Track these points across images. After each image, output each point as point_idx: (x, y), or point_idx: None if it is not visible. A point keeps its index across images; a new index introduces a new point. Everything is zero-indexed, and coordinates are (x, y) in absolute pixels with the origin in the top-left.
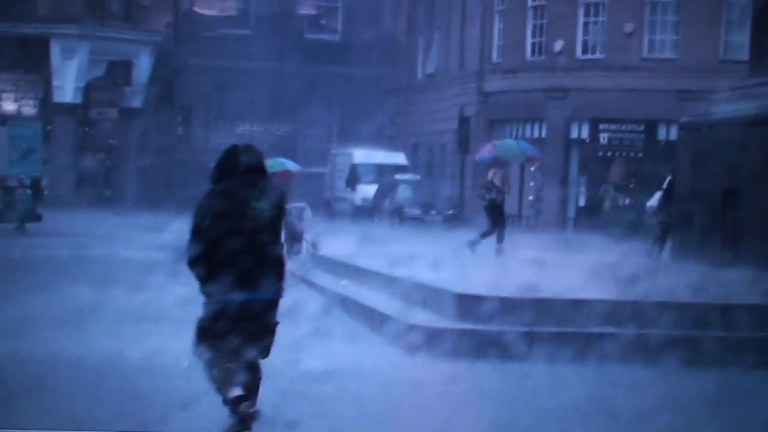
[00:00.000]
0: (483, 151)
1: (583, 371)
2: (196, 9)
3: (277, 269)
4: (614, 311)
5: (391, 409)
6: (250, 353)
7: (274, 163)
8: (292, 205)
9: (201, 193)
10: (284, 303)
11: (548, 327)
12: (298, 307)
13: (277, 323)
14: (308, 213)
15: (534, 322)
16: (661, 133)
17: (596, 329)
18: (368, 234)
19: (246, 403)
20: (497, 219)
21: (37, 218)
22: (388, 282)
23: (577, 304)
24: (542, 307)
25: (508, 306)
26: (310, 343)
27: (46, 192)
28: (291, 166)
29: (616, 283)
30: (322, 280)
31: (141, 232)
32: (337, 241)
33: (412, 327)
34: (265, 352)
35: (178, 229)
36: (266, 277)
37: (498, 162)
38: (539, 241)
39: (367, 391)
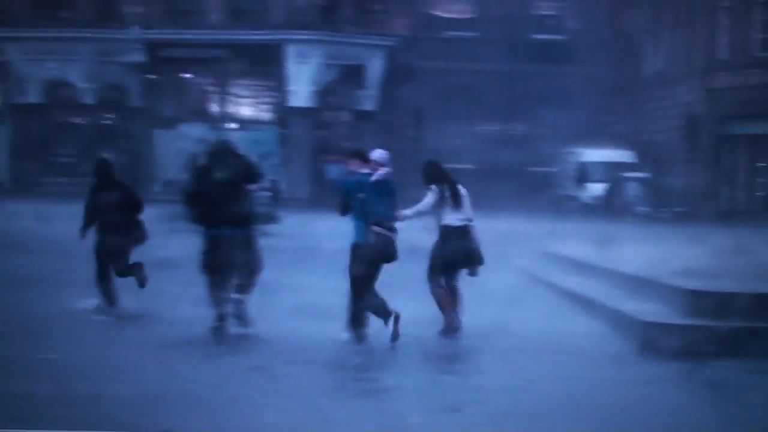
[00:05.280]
0: None
1: None
2: (427, 12)
3: None
4: None
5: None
6: None
7: None
8: None
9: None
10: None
11: None
12: (535, 306)
13: None
14: None
15: None
16: None
17: None
18: (603, 232)
19: None
20: None
21: (276, 221)
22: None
23: None
24: None
25: None
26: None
27: (283, 195)
28: None
29: None
30: (556, 278)
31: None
32: (572, 239)
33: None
34: None
35: None
36: None
37: None
38: None
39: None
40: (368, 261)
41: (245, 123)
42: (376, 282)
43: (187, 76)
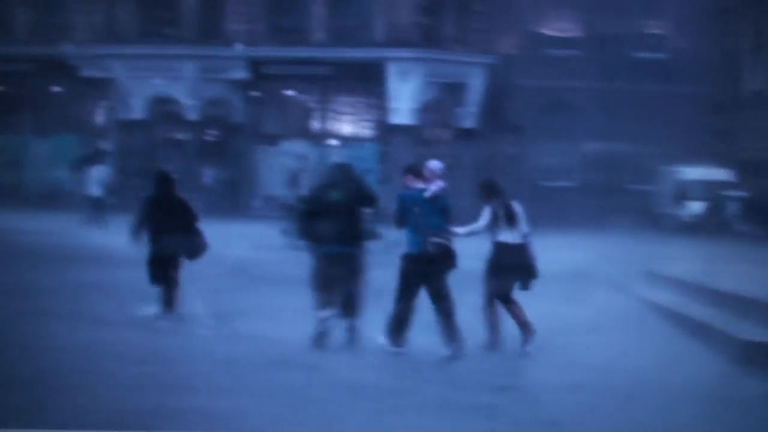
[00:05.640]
0: None
1: None
2: (529, 30)
3: None
4: None
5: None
6: None
7: None
8: None
9: (532, 211)
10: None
11: None
12: (637, 326)
13: None
14: None
15: None
16: None
17: None
18: (704, 251)
19: None
20: None
21: (377, 237)
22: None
23: None
24: None
25: None
26: (644, 357)
27: (384, 211)
28: None
29: None
30: (660, 297)
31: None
32: (674, 259)
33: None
34: None
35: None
36: None
37: None
38: None
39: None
40: (423, 272)
41: (346, 140)
42: (419, 293)
43: (290, 93)
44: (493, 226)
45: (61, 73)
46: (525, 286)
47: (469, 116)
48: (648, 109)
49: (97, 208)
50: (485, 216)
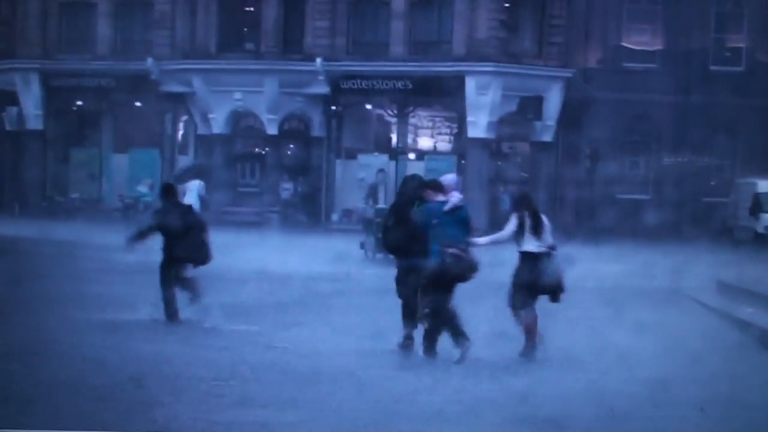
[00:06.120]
0: None
1: None
2: (606, 44)
3: None
4: None
5: None
6: None
7: None
8: None
9: (608, 223)
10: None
11: None
12: (705, 336)
13: None
14: None
15: None
16: None
17: None
18: None
19: None
20: None
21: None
22: None
23: None
24: None
25: None
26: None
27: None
28: None
29: None
30: (728, 307)
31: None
32: (747, 270)
33: None
34: None
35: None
36: None
37: None
38: None
39: None
40: (442, 280)
41: (424, 153)
42: (450, 300)
43: (369, 107)
44: (518, 236)
45: (142, 87)
46: (554, 299)
47: (546, 129)
48: (724, 122)
49: None
50: (510, 226)
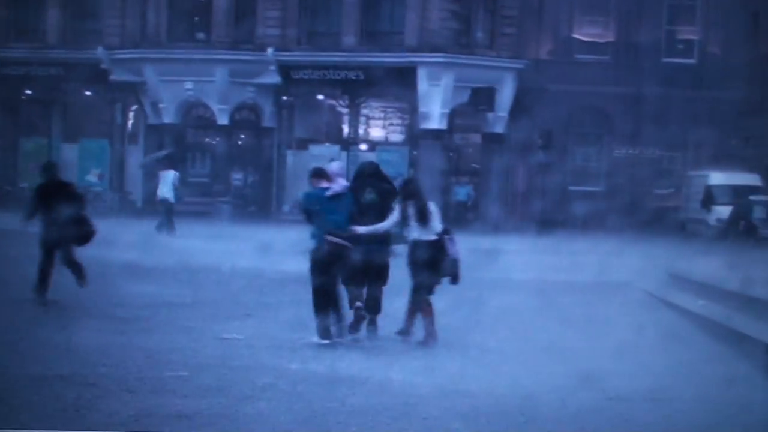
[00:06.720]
0: None
1: None
2: (559, 36)
3: None
4: None
5: None
6: None
7: None
8: None
9: (560, 215)
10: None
11: None
12: (659, 327)
13: None
14: None
15: None
16: None
17: None
18: (728, 254)
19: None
20: None
21: (403, 241)
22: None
23: None
24: None
25: None
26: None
27: None
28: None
29: None
30: (679, 299)
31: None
32: (698, 262)
33: None
34: None
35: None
36: None
37: None
38: None
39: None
40: (322, 267)
41: (376, 144)
42: (335, 284)
43: (320, 97)
44: (404, 225)
45: (93, 77)
46: (454, 281)
47: (498, 121)
48: (676, 114)
49: (169, 213)
50: (392, 216)
